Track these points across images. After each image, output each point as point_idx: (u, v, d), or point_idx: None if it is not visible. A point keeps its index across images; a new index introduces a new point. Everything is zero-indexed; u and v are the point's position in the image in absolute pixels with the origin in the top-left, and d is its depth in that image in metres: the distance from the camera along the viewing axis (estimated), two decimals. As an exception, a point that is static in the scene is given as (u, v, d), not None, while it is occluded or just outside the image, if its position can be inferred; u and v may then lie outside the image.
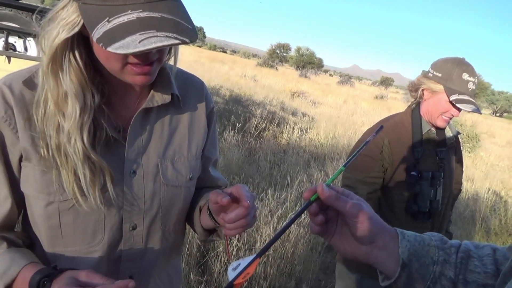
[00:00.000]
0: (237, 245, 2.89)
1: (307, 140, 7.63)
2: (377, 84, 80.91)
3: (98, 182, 0.74)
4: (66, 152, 0.71)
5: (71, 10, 0.66)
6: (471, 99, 1.62)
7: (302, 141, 7.44)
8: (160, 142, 0.86)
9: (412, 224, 1.72)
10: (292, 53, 68.80)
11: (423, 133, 1.73)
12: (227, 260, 2.78)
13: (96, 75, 0.75)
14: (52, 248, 0.79)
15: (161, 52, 0.73)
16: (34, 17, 3.50)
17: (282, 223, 3.29)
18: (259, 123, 7.38)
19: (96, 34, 0.61)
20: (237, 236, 2.87)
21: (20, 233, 0.82)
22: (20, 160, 0.75)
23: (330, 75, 79.46)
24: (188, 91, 0.92)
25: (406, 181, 1.69)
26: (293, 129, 7.88)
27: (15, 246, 0.78)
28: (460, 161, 1.91)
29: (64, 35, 0.67)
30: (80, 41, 0.71)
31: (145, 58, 0.69)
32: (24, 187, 0.76)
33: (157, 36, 0.60)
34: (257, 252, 0.60)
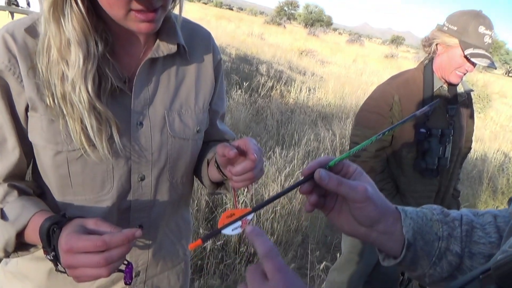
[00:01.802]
0: (245, 200, 2.94)
1: (315, 99, 7.56)
2: (387, 43, 79.01)
3: (104, 132, 0.74)
4: (72, 101, 0.70)
5: None
6: (486, 53, 1.57)
7: (310, 101, 7.38)
8: (166, 94, 0.85)
9: (419, 181, 1.73)
10: (301, 10, 66.99)
11: (435, 89, 1.70)
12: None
13: (99, 22, 0.73)
14: (62, 196, 0.80)
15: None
16: None
17: (290, 181, 3.33)
18: (266, 81, 7.31)
19: None
20: (245, 190, 2.92)
21: (30, 182, 0.83)
22: (27, 110, 0.74)
23: (340, 33, 77.58)
24: (194, 42, 0.90)
25: (415, 138, 1.68)
26: (300, 88, 7.80)
27: (26, 195, 0.79)
28: (471, 119, 1.89)
29: None
30: None
31: (149, 3, 0.67)
32: (32, 136, 0.75)
33: None
34: (253, 207, 0.57)
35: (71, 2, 0.66)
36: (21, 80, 0.72)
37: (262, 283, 0.46)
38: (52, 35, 0.68)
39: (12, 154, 0.76)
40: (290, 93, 7.47)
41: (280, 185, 3.24)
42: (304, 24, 59.75)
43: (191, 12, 20.89)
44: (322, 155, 4.05)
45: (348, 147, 1.86)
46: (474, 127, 1.93)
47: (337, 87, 8.72)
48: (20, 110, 0.74)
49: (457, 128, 1.76)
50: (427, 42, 1.75)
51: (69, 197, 0.80)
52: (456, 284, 0.46)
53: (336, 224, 0.65)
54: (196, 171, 0.98)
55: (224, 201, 2.98)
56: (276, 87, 7.47)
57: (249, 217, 0.55)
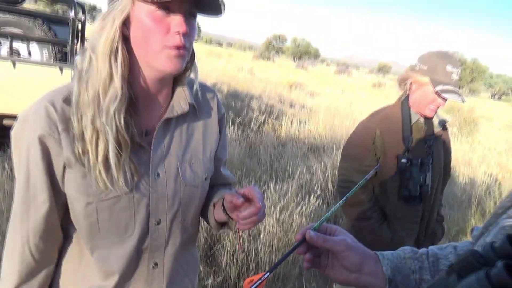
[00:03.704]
0: (242, 236, 3.02)
1: (306, 131, 7.74)
2: (374, 71, 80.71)
3: (130, 184, 0.86)
4: (102, 134, 0.81)
5: (124, 2, 0.81)
6: (455, 88, 1.74)
7: (301, 133, 7.55)
8: (179, 147, 0.97)
9: (404, 208, 1.85)
10: (288, 44, 68.60)
11: (412, 123, 1.86)
12: (233, 251, 2.92)
13: (124, 82, 0.85)
14: (91, 240, 0.90)
15: (190, 39, 0.85)
16: (36, 22, 3.64)
17: (285, 214, 3.42)
18: (258, 116, 7.49)
19: None
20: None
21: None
22: (64, 167, 0.85)
23: (327, 64, 79.12)
24: (202, 100, 1.03)
25: (397, 168, 1.81)
26: (291, 121, 7.99)
27: None
28: (449, 147, 2.03)
29: (118, 20, 0.80)
30: (123, 40, 0.83)
31: (180, 40, 0.81)
32: (67, 189, 0.86)
33: None
34: (268, 269, 0.70)
35: (118, 46, 0.81)
36: (60, 143, 0.83)
37: None
38: (98, 71, 0.81)
39: (41, 207, 0.86)
40: (281, 126, 7.66)
41: (276, 219, 3.33)
42: (292, 57, 61.12)
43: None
44: (315, 187, 4.15)
45: (337, 180, 1.99)
46: (454, 153, 2.07)
47: (327, 118, 8.94)
48: (58, 168, 0.85)
49: (435, 156, 1.90)
50: (402, 81, 1.92)
51: (97, 240, 0.90)
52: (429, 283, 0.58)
53: (331, 278, 0.78)
54: (202, 212, 1.10)
55: (222, 237, 3.05)
56: (267, 121, 7.66)
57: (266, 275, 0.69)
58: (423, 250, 0.80)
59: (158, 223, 0.95)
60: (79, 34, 4.29)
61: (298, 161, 5.27)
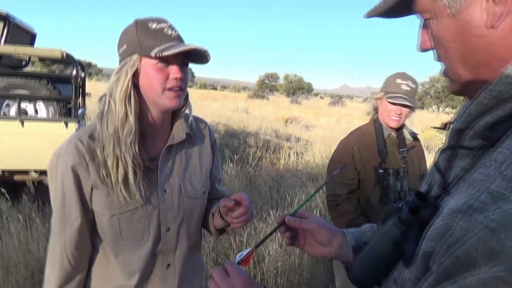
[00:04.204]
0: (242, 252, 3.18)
1: (304, 162, 7.98)
2: (368, 100, 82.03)
3: (144, 199, 1.09)
4: (121, 160, 1.04)
5: (133, 59, 1.05)
6: (403, 95, 2.02)
7: (299, 164, 7.79)
8: (180, 168, 1.21)
9: (387, 214, 2.06)
10: (281, 81, 70.03)
11: (385, 137, 2.11)
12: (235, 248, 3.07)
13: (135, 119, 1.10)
14: (114, 246, 1.12)
15: (184, 82, 1.10)
16: (41, 82, 4.03)
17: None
18: (255, 152, 7.75)
19: (152, 52, 1.02)
20: (244, 233, 3.27)
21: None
22: (92, 188, 1.08)
23: (321, 97, 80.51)
24: (196, 129, 1.28)
25: (375, 178, 2.04)
26: (289, 154, 8.25)
27: None
28: (421, 156, 2.27)
29: (130, 73, 1.05)
30: (134, 87, 1.07)
31: (176, 83, 1.06)
32: (94, 205, 1.09)
33: (185, 46, 1.02)
34: (253, 245, 0.93)
35: (131, 92, 1.06)
36: (88, 170, 1.06)
37: (224, 276, 0.77)
38: (117, 112, 1.05)
39: (75, 222, 1.08)
40: (279, 160, 7.90)
41: (278, 244, 3.50)
42: (286, 94, 62.30)
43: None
44: (314, 211, 4.34)
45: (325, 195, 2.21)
46: (426, 164, 2.30)
47: (323, 148, 9.19)
48: (87, 190, 1.08)
49: (410, 165, 2.13)
50: (372, 102, 2.20)
51: (120, 246, 1.12)
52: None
53: (309, 253, 0.99)
54: (204, 223, 1.32)
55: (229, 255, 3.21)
56: (265, 156, 7.91)
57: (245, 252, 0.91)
58: (375, 224, 1.02)
59: (168, 230, 1.17)
60: (81, 90, 4.60)
61: (297, 190, 5.46)
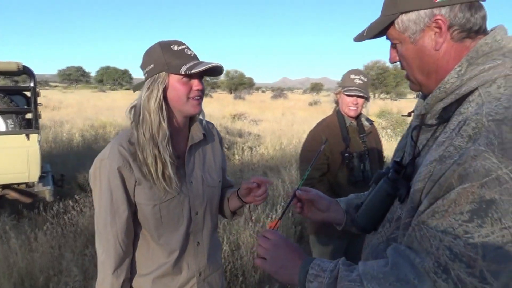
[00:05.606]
0: (253, 214, 3.44)
1: (258, 156, 8.33)
2: (308, 91, 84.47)
3: (179, 188, 1.33)
4: (160, 158, 1.26)
5: (162, 76, 1.27)
6: (357, 88, 2.40)
7: (254, 158, 8.13)
8: (199, 163, 1.45)
9: (354, 191, 2.40)
10: (223, 77, 70.12)
11: (347, 125, 2.46)
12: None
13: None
14: (157, 230, 1.34)
15: (203, 92, 1.33)
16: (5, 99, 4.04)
17: (259, 226, 3.88)
18: (212, 149, 7.94)
19: (182, 70, 1.24)
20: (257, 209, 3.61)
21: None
22: (135, 185, 1.29)
23: (263, 91, 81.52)
24: (208, 130, 1.52)
25: (342, 160, 2.39)
26: (242, 149, 8.56)
27: None
28: (378, 139, 2.66)
29: (161, 88, 1.27)
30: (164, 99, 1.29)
31: (197, 93, 1.30)
32: (137, 198, 1.30)
33: (207, 64, 1.25)
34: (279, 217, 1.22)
35: (163, 104, 1.28)
36: (131, 169, 1.28)
37: (266, 240, 1.07)
38: (153, 121, 1.26)
39: (123, 214, 1.29)
40: (234, 155, 8.18)
41: (252, 231, 3.78)
42: (228, 90, 62.52)
43: (109, 99, 21.13)
44: (279, 198, 4.66)
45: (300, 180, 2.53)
46: (382, 145, 2.69)
47: (274, 141, 9.61)
48: (130, 187, 1.29)
49: (370, 148, 2.51)
50: (334, 97, 2.55)
51: (160, 230, 1.35)
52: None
53: (311, 218, 1.30)
54: (219, 208, 1.57)
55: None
56: (221, 152, 8.13)
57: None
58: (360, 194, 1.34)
59: (197, 214, 1.41)
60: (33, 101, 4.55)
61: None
